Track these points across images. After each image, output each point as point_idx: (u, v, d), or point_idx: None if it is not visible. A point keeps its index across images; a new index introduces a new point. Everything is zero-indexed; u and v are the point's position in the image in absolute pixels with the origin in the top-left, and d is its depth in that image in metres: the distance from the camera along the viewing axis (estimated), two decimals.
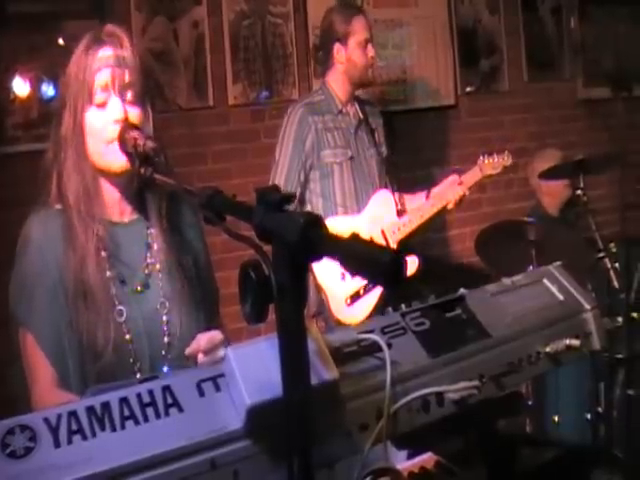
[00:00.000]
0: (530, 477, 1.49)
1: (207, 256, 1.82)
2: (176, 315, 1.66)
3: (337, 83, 3.32)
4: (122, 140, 1.56)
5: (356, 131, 3.32)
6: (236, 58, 3.81)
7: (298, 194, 3.20)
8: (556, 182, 4.03)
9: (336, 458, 1.12)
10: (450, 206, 3.31)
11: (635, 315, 3.48)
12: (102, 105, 1.62)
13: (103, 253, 1.63)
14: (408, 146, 4.26)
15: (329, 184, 3.23)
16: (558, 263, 1.53)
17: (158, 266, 1.68)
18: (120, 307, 1.61)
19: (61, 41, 3.40)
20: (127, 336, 1.61)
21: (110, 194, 1.69)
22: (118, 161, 1.59)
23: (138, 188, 1.70)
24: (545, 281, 1.47)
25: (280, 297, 0.88)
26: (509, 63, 4.70)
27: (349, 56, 3.29)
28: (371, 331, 1.19)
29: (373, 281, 0.79)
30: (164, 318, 1.66)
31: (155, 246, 1.69)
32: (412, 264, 3.16)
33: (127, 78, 1.64)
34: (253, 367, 1.04)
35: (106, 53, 1.65)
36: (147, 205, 1.71)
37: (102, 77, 1.62)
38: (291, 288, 0.87)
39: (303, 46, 3.96)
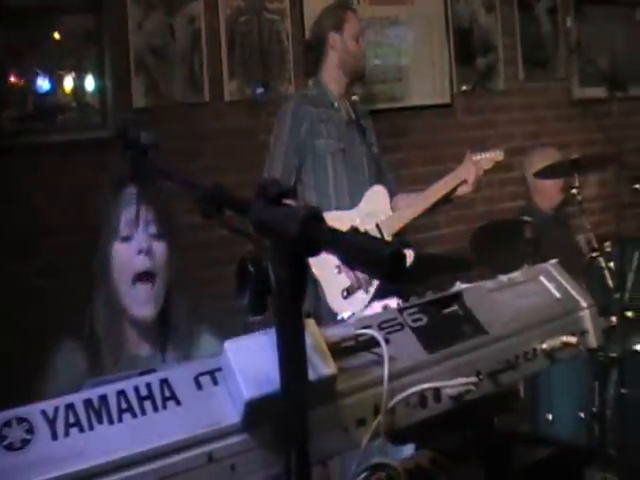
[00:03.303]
0: (525, 474, 1.49)
1: None
2: None
3: (331, 77, 3.34)
4: None
5: (347, 127, 3.34)
6: (232, 54, 3.80)
7: (293, 183, 3.20)
8: (551, 181, 4.05)
9: (333, 453, 1.12)
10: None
11: (629, 314, 3.49)
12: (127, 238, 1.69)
13: None
14: (404, 144, 4.27)
15: (323, 175, 3.23)
16: (555, 261, 1.54)
17: None
18: None
19: (57, 35, 3.39)
20: None
21: (131, 329, 1.75)
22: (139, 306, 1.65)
23: (158, 324, 1.75)
24: (542, 278, 1.47)
25: (278, 291, 0.88)
26: (505, 62, 4.71)
27: (344, 44, 3.32)
28: (369, 326, 1.19)
29: (373, 275, 0.78)
30: None
31: None
32: (408, 257, 3.18)
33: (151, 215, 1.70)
34: (251, 361, 1.03)
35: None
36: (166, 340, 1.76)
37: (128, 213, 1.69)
38: (289, 282, 0.87)
39: (299, 42, 3.96)
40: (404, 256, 0.73)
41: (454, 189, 3.28)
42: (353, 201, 3.26)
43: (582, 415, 3.30)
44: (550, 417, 3.30)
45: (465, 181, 3.25)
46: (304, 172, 3.23)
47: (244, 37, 3.84)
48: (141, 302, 1.67)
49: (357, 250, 0.76)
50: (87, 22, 3.44)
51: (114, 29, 3.50)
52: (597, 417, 3.26)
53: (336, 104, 3.33)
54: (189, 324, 1.75)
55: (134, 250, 1.67)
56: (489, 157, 3.34)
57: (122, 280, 1.68)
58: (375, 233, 3.24)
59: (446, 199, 3.32)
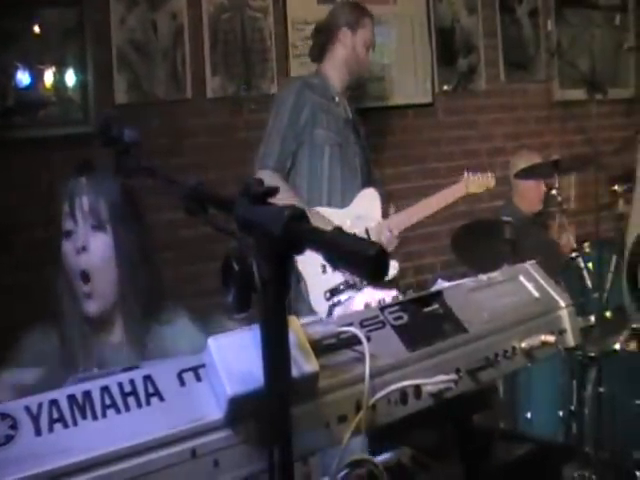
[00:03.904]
0: (504, 472, 1.51)
1: None
2: None
3: (334, 70, 3.30)
4: None
5: (345, 124, 3.30)
6: (215, 51, 3.80)
7: (288, 167, 3.13)
8: (531, 182, 4.08)
9: (315, 449, 1.14)
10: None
11: (607, 314, 3.54)
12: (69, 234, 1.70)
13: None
14: (385, 143, 4.28)
15: (318, 166, 3.17)
16: (533, 261, 1.56)
17: None
18: None
19: (37, 29, 3.37)
20: None
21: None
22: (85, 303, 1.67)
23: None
24: (521, 278, 1.49)
25: (262, 289, 0.89)
26: (486, 63, 4.73)
27: (354, 44, 3.29)
28: (350, 324, 1.20)
29: (357, 275, 0.80)
30: None
31: None
32: (393, 269, 3.14)
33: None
34: (234, 358, 1.04)
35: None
36: None
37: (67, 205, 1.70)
38: (273, 280, 0.88)
39: (282, 41, 3.96)
40: (387, 256, 0.74)
41: (441, 209, 3.28)
42: (344, 199, 3.21)
43: (561, 414, 3.33)
44: (529, 416, 3.33)
45: (457, 202, 3.25)
46: (299, 159, 3.15)
47: (227, 34, 3.84)
48: (85, 300, 1.67)
49: (341, 250, 0.78)
50: (68, 16, 3.42)
51: (96, 24, 3.48)
52: (575, 415, 3.30)
53: (337, 99, 3.29)
54: (140, 318, 1.73)
55: (74, 248, 1.67)
56: (482, 182, 3.32)
57: (72, 276, 1.68)
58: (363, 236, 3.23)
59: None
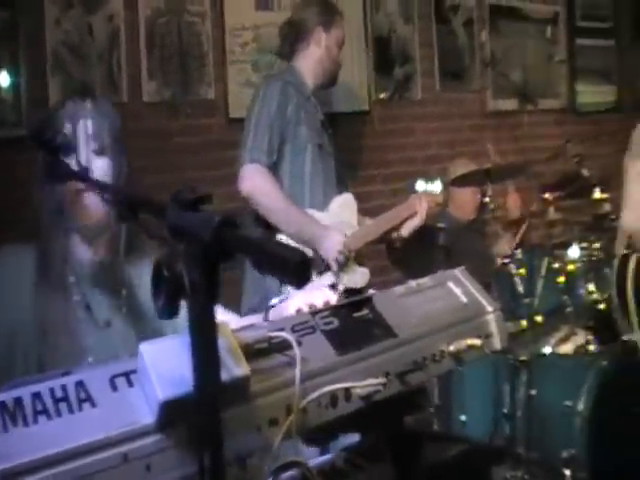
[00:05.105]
0: (434, 472, 1.54)
1: None
2: None
3: (307, 68, 3.24)
4: None
5: (321, 125, 3.25)
6: (151, 55, 3.77)
7: (275, 160, 3.04)
8: (465, 190, 4.16)
9: (247, 453, 1.15)
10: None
11: (538, 318, 3.63)
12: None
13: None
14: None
15: (301, 164, 3.10)
16: (462, 267, 1.60)
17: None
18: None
19: None
20: None
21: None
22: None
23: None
24: (450, 284, 1.54)
25: (192, 294, 0.90)
26: (422, 73, 4.80)
27: (328, 44, 3.26)
28: (282, 329, 1.23)
29: (282, 279, 0.82)
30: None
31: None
32: (364, 276, 3.13)
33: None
34: (166, 363, 1.05)
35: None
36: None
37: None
38: (203, 286, 0.89)
39: (219, 46, 3.96)
40: (311, 262, 0.77)
41: (404, 221, 3.18)
42: (326, 202, 3.15)
43: (494, 416, 3.40)
44: (464, 418, 3.38)
45: (415, 213, 3.15)
46: (282, 156, 3.06)
47: (164, 38, 3.82)
48: (78, 214, 1.65)
49: (268, 256, 0.80)
50: (1, 17, 3.36)
51: (30, 26, 3.42)
52: (508, 418, 3.37)
53: (312, 99, 3.24)
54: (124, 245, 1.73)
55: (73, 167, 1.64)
56: (430, 194, 3.20)
57: (66, 191, 1.64)
58: None
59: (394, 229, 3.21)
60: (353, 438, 1.52)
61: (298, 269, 0.76)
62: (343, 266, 3.06)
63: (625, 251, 2.53)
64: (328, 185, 3.18)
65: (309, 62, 3.25)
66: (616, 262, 2.59)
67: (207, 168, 3.78)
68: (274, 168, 3.04)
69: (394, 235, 3.21)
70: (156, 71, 3.79)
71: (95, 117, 1.69)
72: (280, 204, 3.00)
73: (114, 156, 1.72)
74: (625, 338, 2.50)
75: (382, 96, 4.57)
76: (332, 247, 3.02)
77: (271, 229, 3.01)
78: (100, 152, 1.69)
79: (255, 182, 2.97)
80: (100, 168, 1.67)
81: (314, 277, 3.00)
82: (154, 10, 3.78)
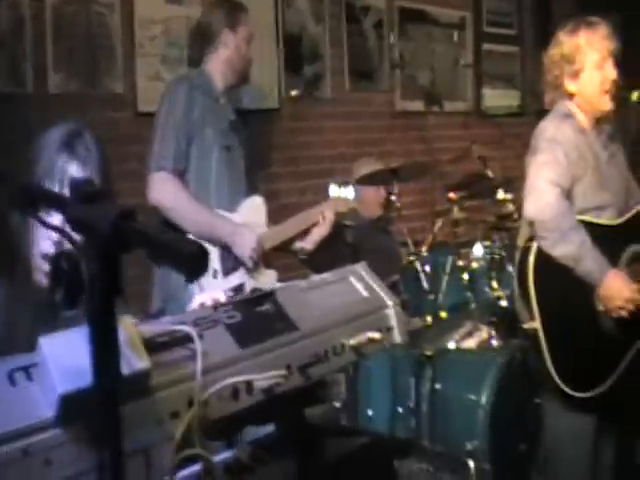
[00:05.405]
0: (336, 465, 1.58)
1: None
2: None
3: (216, 70, 3.23)
4: None
5: (230, 127, 3.24)
6: (58, 46, 3.68)
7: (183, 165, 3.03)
8: (372, 188, 4.23)
9: (148, 445, 1.15)
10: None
11: (443, 314, 3.73)
12: None
13: None
14: None
15: (206, 167, 3.08)
16: (363, 262, 1.64)
17: None
18: None
19: None
20: None
21: None
22: None
23: None
24: (351, 279, 1.57)
25: (91, 287, 0.90)
26: (332, 72, 4.84)
27: (237, 44, 3.25)
28: (184, 323, 1.23)
29: (178, 270, 0.84)
30: None
31: None
32: (272, 277, 3.13)
33: None
34: (66, 356, 1.05)
35: None
36: None
37: None
38: (102, 278, 0.90)
39: (128, 39, 3.90)
40: (206, 254, 0.78)
41: (312, 226, 3.19)
42: (232, 204, 3.14)
43: (400, 410, 3.48)
44: (370, 413, 3.44)
45: (323, 218, 3.16)
46: (189, 158, 3.04)
47: (71, 29, 3.74)
48: None
49: (164, 248, 0.81)
50: None
51: None
52: (413, 411, 3.46)
53: (221, 100, 3.23)
54: None
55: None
56: (344, 199, 3.19)
57: None
58: None
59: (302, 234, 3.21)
60: (260, 431, 1.54)
61: (192, 260, 0.78)
62: (258, 264, 3.08)
63: (527, 243, 2.65)
64: (235, 187, 3.17)
65: (218, 64, 3.25)
66: (518, 253, 2.70)
67: (114, 162, 3.70)
68: (183, 172, 3.03)
69: (298, 247, 3.24)
70: (62, 62, 3.70)
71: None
72: (188, 208, 2.99)
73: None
74: (525, 326, 2.61)
75: (292, 94, 4.60)
76: (246, 244, 3.04)
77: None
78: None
79: (161, 190, 2.96)
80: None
81: (222, 278, 3.01)
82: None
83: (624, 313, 2.60)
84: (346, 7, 4.96)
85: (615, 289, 2.57)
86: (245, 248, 3.03)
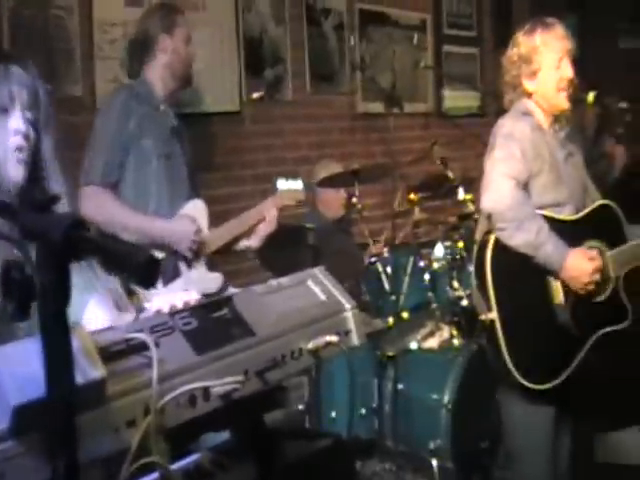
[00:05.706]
0: (297, 468, 1.58)
1: None
2: None
3: (157, 78, 3.21)
4: None
5: (172, 133, 3.22)
6: (15, 48, 3.64)
7: (116, 180, 3.02)
8: (333, 190, 4.25)
9: (104, 454, 1.15)
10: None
11: (404, 315, 3.75)
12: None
13: None
14: (192, 150, 4.29)
15: (145, 178, 3.07)
16: (322, 266, 1.65)
17: None
18: None
19: None
20: None
21: None
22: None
23: None
24: (309, 283, 1.58)
25: (43, 296, 0.90)
26: (293, 74, 4.84)
27: (175, 47, 3.22)
28: (140, 330, 1.23)
29: (129, 279, 0.84)
30: None
31: None
32: (217, 280, 3.12)
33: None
34: (18, 367, 1.04)
35: None
36: None
37: None
38: (53, 287, 0.89)
39: (87, 41, 3.86)
40: (158, 262, 0.78)
41: (254, 225, 3.20)
42: (172, 212, 3.12)
43: (363, 411, 3.50)
44: (334, 415, 3.44)
45: (264, 219, 3.17)
46: (126, 170, 3.03)
47: (29, 32, 3.69)
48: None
49: (115, 256, 0.81)
50: None
51: None
52: (376, 412, 3.48)
53: (162, 107, 3.20)
54: None
55: (11, 127, 1.59)
56: (293, 195, 3.21)
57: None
58: None
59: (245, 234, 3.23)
60: (219, 437, 1.53)
61: (143, 268, 0.78)
62: (198, 255, 3.07)
63: (485, 237, 2.67)
64: (176, 194, 3.16)
65: (158, 70, 3.23)
66: (475, 246, 2.72)
67: (72, 166, 3.68)
68: (115, 184, 3.03)
69: (244, 246, 3.25)
70: None
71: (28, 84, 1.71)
72: (122, 218, 2.97)
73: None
74: (482, 317, 2.63)
75: (253, 96, 4.59)
76: (184, 236, 3.04)
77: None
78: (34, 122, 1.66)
79: (90, 205, 2.92)
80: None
81: (161, 287, 2.99)
82: (18, 1, 3.65)
83: (592, 287, 2.64)
84: (307, 9, 4.97)
85: (578, 267, 2.60)
86: (183, 240, 3.04)
